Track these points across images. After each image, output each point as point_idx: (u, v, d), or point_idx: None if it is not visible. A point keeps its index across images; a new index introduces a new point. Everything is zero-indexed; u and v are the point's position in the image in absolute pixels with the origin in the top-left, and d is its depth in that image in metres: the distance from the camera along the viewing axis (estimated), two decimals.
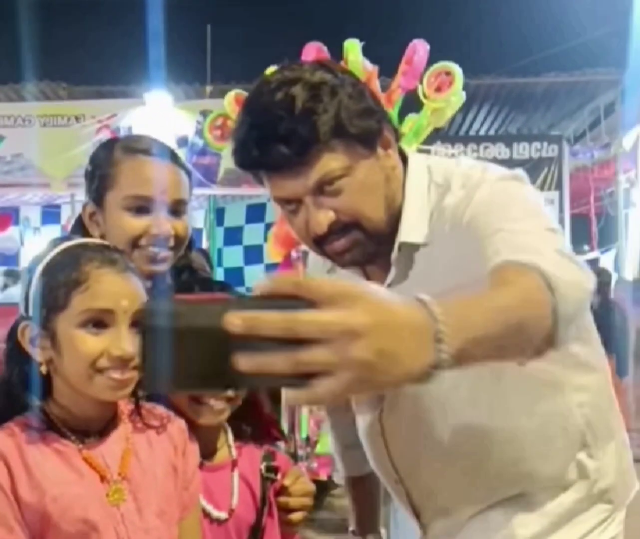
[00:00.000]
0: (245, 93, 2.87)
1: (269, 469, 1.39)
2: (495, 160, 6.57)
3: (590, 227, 8.57)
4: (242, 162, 1.17)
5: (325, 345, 0.67)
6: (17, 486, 1.11)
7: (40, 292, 1.14)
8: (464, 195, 1.14)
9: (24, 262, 10.01)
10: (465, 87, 3.31)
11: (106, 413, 1.20)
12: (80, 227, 1.50)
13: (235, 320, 0.66)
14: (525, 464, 1.21)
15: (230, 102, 3.25)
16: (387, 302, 0.72)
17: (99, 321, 1.12)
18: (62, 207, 9.66)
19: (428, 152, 3.32)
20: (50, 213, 9.89)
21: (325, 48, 2.93)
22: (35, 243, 10.01)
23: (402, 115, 3.33)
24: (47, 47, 7.63)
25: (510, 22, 10.83)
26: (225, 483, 1.36)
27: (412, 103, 3.12)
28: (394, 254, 1.19)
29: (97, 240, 1.33)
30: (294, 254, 3.67)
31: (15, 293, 8.30)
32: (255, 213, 8.03)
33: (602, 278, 5.90)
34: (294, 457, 3.88)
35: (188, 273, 1.51)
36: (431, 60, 3.22)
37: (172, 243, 1.44)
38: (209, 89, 7.81)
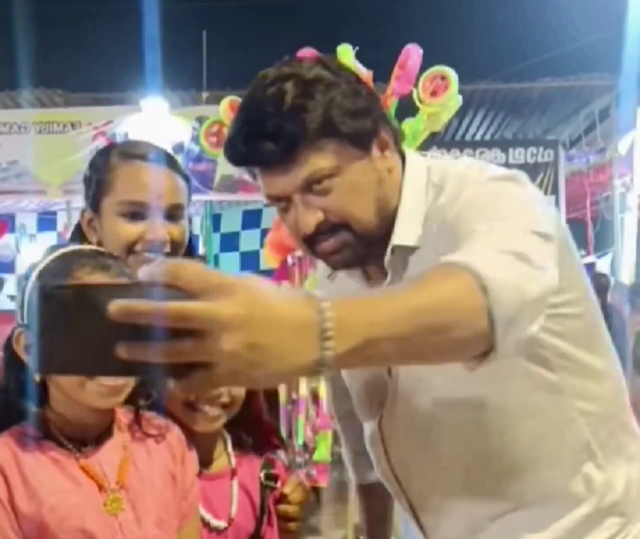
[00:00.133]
0: (239, 100, 2.89)
1: (269, 477, 1.38)
2: None
3: (586, 232, 8.58)
4: (232, 158, 1.16)
5: (197, 336, 0.67)
6: (14, 497, 1.11)
7: None
8: (454, 194, 1.12)
9: (20, 269, 10.00)
10: (461, 92, 3.32)
11: (102, 420, 1.19)
12: (79, 234, 1.50)
13: (114, 308, 0.66)
14: (525, 474, 1.18)
15: (225, 109, 3.25)
16: (266, 296, 0.71)
17: None
18: (58, 214, 9.64)
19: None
20: (46, 220, 9.87)
21: (319, 54, 2.93)
22: (31, 250, 9.99)
23: (398, 119, 3.33)
24: (43, 54, 7.62)
25: (505, 28, 10.86)
26: (225, 491, 1.35)
27: (407, 108, 3.12)
28: (387, 257, 1.18)
29: (92, 247, 1.32)
30: (289, 260, 3.68)
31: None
32: (252, 219, 8.02)
33: (601, 282, 5.90)
34: (292, 464, 3.88)
35: None
36: (426, 66, 3.22)
37: (168, 248, 1.43)
38: (205, 95, 7.81)
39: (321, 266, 1.37)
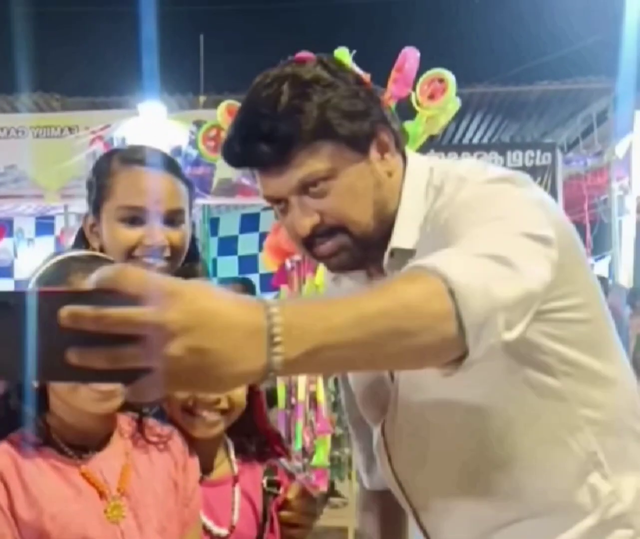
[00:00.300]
0: (237, 104, 2.88)
1: (271, 484, 1.37)
2: None
3: (584, 235, 8.58)
4: (229, 159, 1.16)
5: (141, 342, 0.67)
6: (15, 504, 1.10)
7: None
8: (450, 196, 1.10)
9: (18, 274, 9.99)
10: (459, 96, 3.31)
11: (103, 427, 1.18)
12: (82, 239, 1.50)
13: (62, 314, 0.66)
14: (529, 482, 1.15)
15: (222, 113, 3.24)
16: (213, 301, 0.71)
17: None
18: (55, 218, 9.63)
19: None
20: (44, 225, 9.86)
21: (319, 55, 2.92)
22: (29, 255, 9.98)
23: None
24: (40, 58, 7.62)
25: (503, 31, 10.87)
26: (226, 498, 1.34)
27: (405, 112, 3.11)
28: (386, 260, 1.17)
29: (89, 252, 1.32)
30: (288, 264, 3.67)
31: None
32: (250, 222, 8.03)
33: (602, 286, 5.90)
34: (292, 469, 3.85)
35: None
36: (423, 69, 3.22)
37: (167, 253, 1.43)
38: (202, 99, 7.80)
39: (326, 269, 1.36)
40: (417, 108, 3.14)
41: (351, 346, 0.78)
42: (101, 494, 1.14)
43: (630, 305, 5.72)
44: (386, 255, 1.16)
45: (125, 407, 1.20)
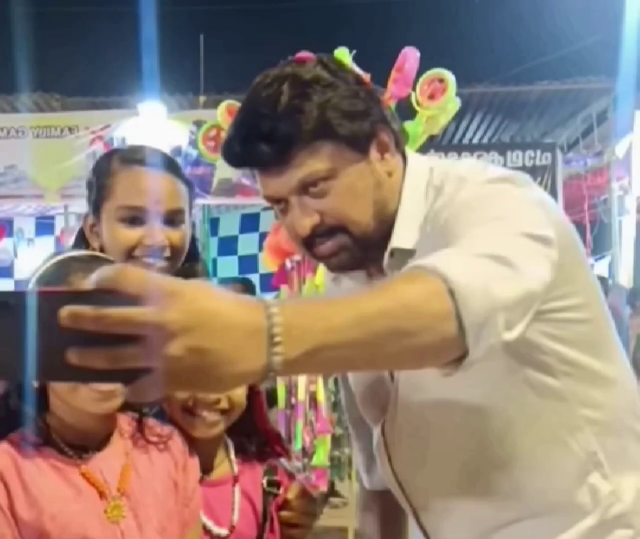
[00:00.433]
0: (237, 104, 2.88)
1: (271, 484, 1.37)
2: None
3: (584, 235, 8.57)
4: (229, 159, 1.16)
5: (141, 341, 0.68)
6: (15, 504, 1.10)
7: None
8: (450, 196, 1.10)
9: (18, 274, 9.99)
10: (458, 96, 3.31)
11: (103, 427, 1.18)
12: (82, 239, 1.51)
13: (63, 314, 0.67)
14: (529, 482, 1.14)
15: (223, 113, 3.24)
16: (213, 301, 0.71)
17: None
18: (55, 218, 9.63)
19: None
20: (44, 225, 9.86)
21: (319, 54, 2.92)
22: (29, 255, 9.97)
23: None
24: (40, 58, 7.62)
25: (503, 31, 10.87)
26: (226, 498, 1.34)
27: (405, 112, 3.11)
28: (386, 260, 1.16)
29: (89, 252, 1.32)
30: (288, 264, 3.67)
31: None
32: (250, 222, 8.03)
33: (602, 286, 5.89)
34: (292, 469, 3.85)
35: None
36: (423, 69, 3.22)
37: (167, 253, 1.43)
38: (202, 99, 7.80)
39: (326, 269, 1.36)
40: (417, 108, 3.14)
41: (351, 346, 0.78)
42: (101, 494, 1.14)
43: (630, 305, 5.71)
44: (386, 255, 1.16)
45: (125, 407, 1.20)
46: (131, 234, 1.41)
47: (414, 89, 3.10)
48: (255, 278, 7.62)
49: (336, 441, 4.22)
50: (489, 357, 0.92)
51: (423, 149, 3.74)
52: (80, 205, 9.28)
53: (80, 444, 1.16)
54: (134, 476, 1.18)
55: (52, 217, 9.72)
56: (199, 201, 7.39)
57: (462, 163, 1.20)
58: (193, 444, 1.29)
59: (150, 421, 1.23)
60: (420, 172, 1.19)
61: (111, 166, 1.46)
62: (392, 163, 1.17)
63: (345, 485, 4.47)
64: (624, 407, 1.18)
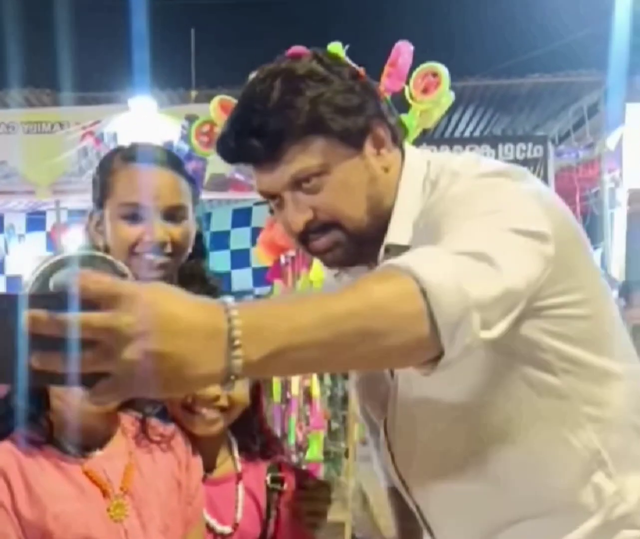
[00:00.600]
0: (230, 99, 2.87)
1: (275, 480, 1.37)
2: None
3: None
4: (223, 154, 1.16)
5: (98, 346, 0.68)
6: (17, 502, 1.10)
7: None
8: (442, 190, 1.09)
9: (10, 270, 9.94)
10: (450, 89, 3.31)
11: (106, 426, 1.18)
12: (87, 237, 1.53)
13: (25, 318, 0.67)
14: (531, 482, 1.13)
15: (215, 108, 3.22)
16: (171, 305, 0.71)
17: None
18: (47, 214, 9.59)
19: None
20: (35, 221, 9.81)
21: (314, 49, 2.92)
22: (21, 251, 9.93)
23: None
24: (31, 54, 7.57)
25: (494, 25, 10.87)
26: (230, 496, 1.34)
27: (399, 105, 3.11)
28: (381, 256, 1.15)
29: (85, 252, 1.32)
30: (282, 259, 3.67)
31: None
32: (242, 217, 8.02)
33: None
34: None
35: (199, 283, 1.49)
36: (415, 63, 3.21)
37: (169, 249, 1.44)
38: (194, 93, 7.78)
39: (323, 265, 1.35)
40: (411, 102, 3.13)
41: (318, 346, 0.78)
42: (104, 493, 1.14)
43: (623, 298, 5.72)
44: (381, 250, 1.15)
45: (128, 407, 1.20)
46: (132, 231, 1.42)
47: (407, 82, 3.09)
48: (247, 272, 7.62)
49: (332, 435, 4.23)
50: (485, 355, 0.91)
51: (415, 143, 3.74)
52: (72, 201, 9.30)
53: (82, 443, 1.16)
54: (137, 476, 1.17)
55: (43, 213, 9.68)
56: None
57: (458, 157, 1.19)
58: (196, 442, 1.29)
59: (153, 421, 1.23)
60: (418, 166, 1.17)
61: (113, 164, 1.47)
62: (389, 159, 1.16)
63: (342, 479, 4.48)
64: (627, 404, 1.15)
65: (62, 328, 0.68)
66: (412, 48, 2.96)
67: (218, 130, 2.94)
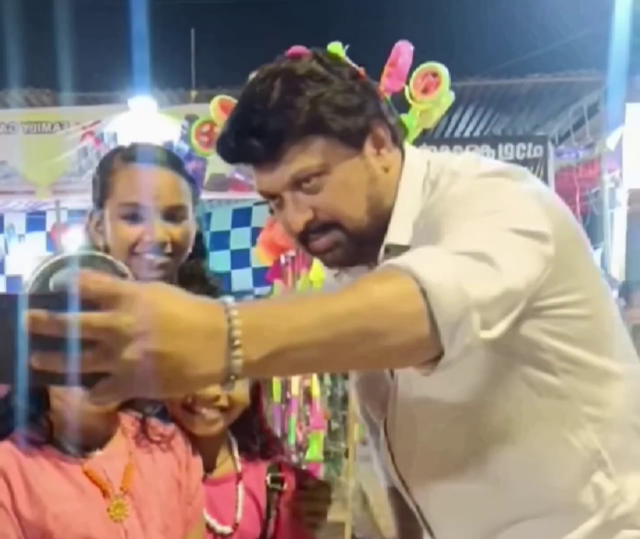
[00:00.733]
0: (230, 99, 2.87)
1: (275, 480, 1.37)
2: None
3: None
4: (223, 154, 1.16)
5: (98, 346, 0.68)
6: (17, 502, 1.10)
7: None
8: (442, 191, 1.09)
9: (9, 270, 9.94)
10: (450, 89, 3.31)
11: (106, 426, 1.18)
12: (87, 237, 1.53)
13: (25, 318, 0.67)
14: (530, 481, 1.12)
15: (215, 108, 3.22)
16: (171, 305, 0.71)
17: None
18: (47, 214, 9.59)
19: None
20: (35, 220, 9.81)
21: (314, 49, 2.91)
22: (21, 251, 9.93)
23: None
24: (31, 54, 7.57)
25: (494, 25, 10.86)
26: (230, 496, 1.34)
27: (399, 105, 3.12)
28: (381, 256, 1.15)
29: (85, 252, 1.32)
30: (282, 259, 3.66)
31: None
32: (241, 217, 8.02)
33: None
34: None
35: (199, 283, 1.49)
36: (415, 63, 3.21)
37: (169, 249, 1.44)
38: (194, 93, 7.78)
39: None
40: (411, 102, 3.12)
41: (318, 347, 0.78)
42: (104, 493, 1.14)
43: (623, 298, 5.72)
44: (381, 250, 1.15)
45: (128, 407, 1.20)
46: (132, 231, 1.42)
47: (407, 82, 3.09)
48: (247, 272, 7.62)
49: (332, 435, 4.23)
50: (485, 355, 0.91)
51: (415, 143, 3.74)
52: (72, 201, 9.27)
53: (82, 443, 1.16)
54: (137, 476, 1.17)
55: (43, 213, 9.67)
56: None
57: (458, 157, 1.19)
58: (196, 442, 1.29)
59: (153, 421, 1.23)
60: (418, 166, 1.17)
61: (113, 164, 1.47)
62: (389, 159, 1.16)
63: (342, 479, 4.48)
64: (627, 404, 1.15)
65: (62, 328, 0.68)
66: (412, 48, 2.96)
67: (218, 130, 2.94)
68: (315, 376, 3.65)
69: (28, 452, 1.13)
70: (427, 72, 3.06)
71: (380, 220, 1.15)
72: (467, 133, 8.96)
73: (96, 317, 0.68)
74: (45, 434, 1.15)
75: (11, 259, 9.94)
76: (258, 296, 6.82)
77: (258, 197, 1.20)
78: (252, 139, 1.09)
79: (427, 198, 1.13)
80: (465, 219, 0.99)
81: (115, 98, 7.69)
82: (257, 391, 1.41)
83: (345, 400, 3.91)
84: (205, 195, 7.67)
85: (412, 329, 0.84)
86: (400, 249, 1.11)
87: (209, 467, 1.33)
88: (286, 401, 3.77)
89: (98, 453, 1.17)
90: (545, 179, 7.50)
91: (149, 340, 0.69)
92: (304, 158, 1.10)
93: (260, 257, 3.85)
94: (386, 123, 1.17)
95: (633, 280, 6.77)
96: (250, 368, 0.74)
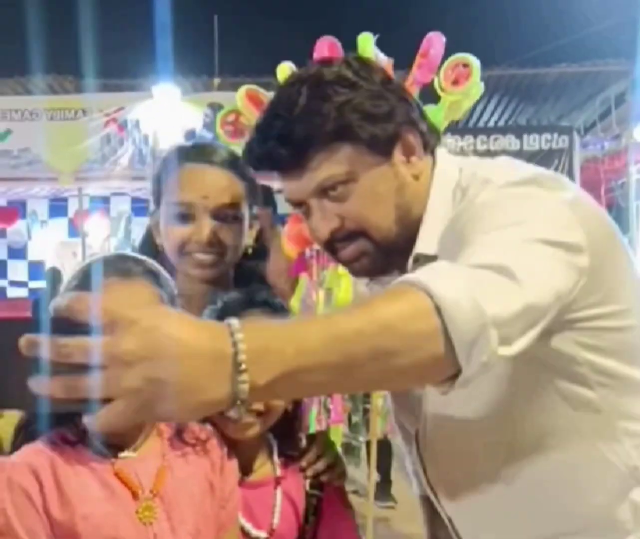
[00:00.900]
0: (256, 89, 2.83)
1: (314, 485, 1.35)
2: (505, 152, 6.52)
3: None
4: (250, 161, 1.15)
5: (101, 371, 0.67)
6: (48, 503, 1.09)
7: None
8: (471, 199, 1.05)
9: (31, 255, 10.03)
10: None
11: (137, 426, 1.16)
12: (149, 236, 1.53)
13: (22, 341, 0.67)
14: (564, 497, 1.09)
15: (242, 98, 3.20)
16: (172, 329, 0.69)
17: None
18: (69, 200, 9.67)
19: None
20: (58, 207, 9.91)
21: (338, 43, 2.88)
22: (43, 236, 10.01)
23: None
24: (54, 40, 7.59)
25: (520, 13, 10.78)
26: (267, 500, 1.31)
27: (427, 96, 3.07)
28: (410, 266, 1.12)
29: (121, 252, 1.33)
30: (307, 252, 3.63)
31: None
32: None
33: None
34: None
35: (264, 298, 1.43)
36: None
37: (218, 248, 1.43)
38: (217, 81, 7.78)
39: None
40: (441, 93, 3.08)
41: (327, 369, 0.75)
42: (134, 495, 1.13)
43: None
44: (410, 260, 1.12)
45: None
46: (182, 230, 1.43)
47: (437, 73, 3.04)
48: None
49: (353, 429, 4.22)
50: (517, 368, 0.87)
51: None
52: (94, 188, 9.32)
53: (115, 443, 1.15)
54: (169, 478, 1.16)
55: (65, 199, 9.75)
56: None
57: (490, 163, 1.15)
58: (232, 446, 1.26)
59: (190, 423, 1.21)
60: (450, 173, 1.14)
61: (169, 163, 1.48)
62: (419, 166, 1.13)
63: (363, 473, 4.47)
64: None
65: (61, 352, 0.67)
66: (444, 39, 2.92)
67: (244, 119, 2.91)
68: None
69: (61, 452, 1.12)
70: (457, 63, 3.00)
71: (409, 230, 1.12)
72: (491, 123, 8.90)
73: (96, 342, 0.67)
74: (79, 434, 1.14)
75: (33, 245, 10.03)
76: None
77: (278, 185, 1.17)
78: (277, 146, 1.07)
79: (457, 206, 1.10)
80: (490, 230, 0.95)
81: (138, 85, 7.71)
82: None
83: (367, 393, 3.89)
84: None
85: (427, 347, 0.81)
86: (429, 259, 1.08)
87: (246, 471, 1.31)
88: None
89: (131, 454, 1.15)
90: (570, 170, 7.44)
91: (150, 367, 0.67)
92: (330, 165, 1.08)
93: (285, 249, 3.82)
94: (417, 130, 1.14)
95: None
96: (257, 392, 0.72)
